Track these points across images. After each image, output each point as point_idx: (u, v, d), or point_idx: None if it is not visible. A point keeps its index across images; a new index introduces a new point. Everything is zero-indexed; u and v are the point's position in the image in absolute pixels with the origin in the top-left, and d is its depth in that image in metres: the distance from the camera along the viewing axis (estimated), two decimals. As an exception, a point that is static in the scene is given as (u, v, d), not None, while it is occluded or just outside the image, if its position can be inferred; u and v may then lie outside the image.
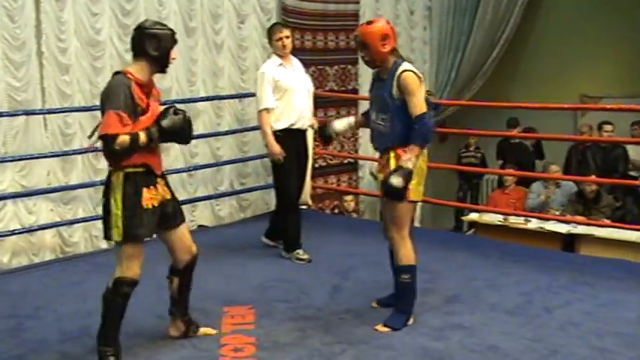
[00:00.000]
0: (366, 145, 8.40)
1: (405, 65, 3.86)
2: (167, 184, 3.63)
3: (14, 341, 3.87)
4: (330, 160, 7.90)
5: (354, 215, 7.89)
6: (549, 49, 9.94)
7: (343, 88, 7.96)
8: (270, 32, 5.35)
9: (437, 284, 4.74)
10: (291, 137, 5.23)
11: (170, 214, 3.59)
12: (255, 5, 7.04)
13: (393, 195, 3.74)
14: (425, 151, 3.91)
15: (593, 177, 7.37)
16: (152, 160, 3.49)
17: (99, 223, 5.87)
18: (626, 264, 5.43)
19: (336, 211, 7.92)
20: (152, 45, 3.42)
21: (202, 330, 3.91)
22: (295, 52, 7.33)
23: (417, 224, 8.33)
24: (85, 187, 5.80)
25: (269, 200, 7.12)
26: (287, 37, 5.24)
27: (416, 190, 3.88)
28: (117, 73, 3.50)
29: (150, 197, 3.45)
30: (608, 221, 6.79)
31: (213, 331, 3.92)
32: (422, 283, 4.74)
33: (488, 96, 8.81)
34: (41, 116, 5.58)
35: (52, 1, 5.56)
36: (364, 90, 8.31)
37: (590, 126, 8.51)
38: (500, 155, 9.04)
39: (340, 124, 4.27)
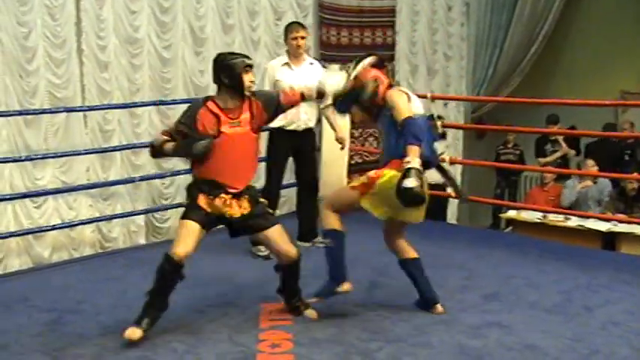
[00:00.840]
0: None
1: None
2: (250, 201, 3.89)
3: (54, 335, 3.92)
4: (367, 156, 7.87)
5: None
6: (589, 44, 9.78)
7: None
8: (287, 31, 5.37)
9: (474, 282, 4.71)
10: (282, 137, 5.26)
11: (235, 226, 3.95)
12: (291, 2, 7.06)
13: (412, 198, 3.62)
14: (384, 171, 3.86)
15: (635, 174, 7.24)
16: (220, 177, 3.79)
17: (138, 219, 6.04)
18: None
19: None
20: (225, 75, 3.77)
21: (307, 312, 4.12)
22: (331, 48, 7.40)
23: (454, 222, 8.32)
24: (123, 184, 5.87)
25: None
26: (302, 37, 5.26)
27: (370, 200, 3.89)
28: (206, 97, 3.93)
29: (205, 202, 3.80)
30: (647, 219, 6.67)
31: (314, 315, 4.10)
32: (459, 280, 4.74)
33: (526, 92, 8.71)
34: (81, 113, 5.67)
35: (92, 0, 5.64)
36: (401, 86, 8.27)
37: (632, 123, 8.36)
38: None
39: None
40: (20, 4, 5.28)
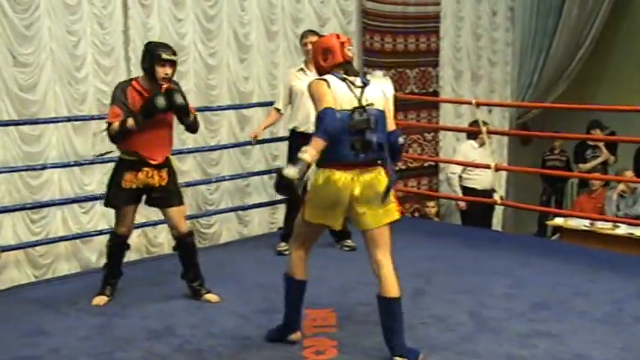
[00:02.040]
0: (446, 149, 8.31)
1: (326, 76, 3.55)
2: (168, 173, 4.39)
3: (102, 338, 3.98)
4: (411, 163, 7.84)
5: (436, 219, 7.81)
6: (635, 49, 9.58)
7: (424, 91, 7.89)
8: (300, 37, 5.58)
9: (521, 290, 4.64)
10: (297, 138, 5.31)
11: (158, 197, 4.38)
12: (335, 9, 7.07)
13: (281, 186, 3.35)
14: (332, 173, 3.48)
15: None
16: (143, 150, 4.27)
17: (183, 224, 6.07)
18: None
19: (416, 214, 7.85)
20: (145, 60, 4.24)
21: (206, 296, 4.48)
22: (375, 54, 7.39)
23: (498, 228, 8.22)
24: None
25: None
26: (312, 43, 5.28)
27: (309, 209, 3.58)
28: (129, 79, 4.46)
29: (130, 180, 4.29)
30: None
31: (216, 298, 4.47)
32: (506, 288, 4.68)
33: (573, 98, 8.57)
34: (128, 120, 5.74)
35: (139, 8, 5.73)
36: (445, 92, 8.24)
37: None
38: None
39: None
40: (70, 13, 5.38)
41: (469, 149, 7.33)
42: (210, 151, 6.20)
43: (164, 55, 4.17)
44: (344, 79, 3.53)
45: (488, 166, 6.67)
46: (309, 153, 3.34)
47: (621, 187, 7.43)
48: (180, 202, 4.52)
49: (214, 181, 6.20)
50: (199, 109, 6.02)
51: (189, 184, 6.00)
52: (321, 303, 4.39)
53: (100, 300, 4.48)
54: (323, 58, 3.61)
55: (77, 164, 5.41)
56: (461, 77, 8.42)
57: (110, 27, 5.58)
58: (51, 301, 4.61)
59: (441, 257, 5.43)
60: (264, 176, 6.55)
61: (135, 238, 5.84)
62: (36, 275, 5.37)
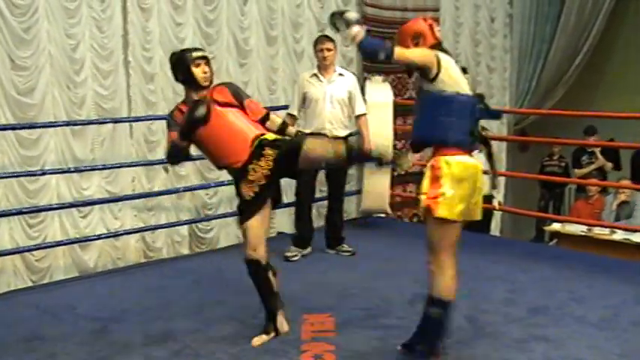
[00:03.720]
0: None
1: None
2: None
3: (100, 343, 3.96)
4: (410, 168, 7.83)
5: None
6: (634, 55, 9.61)
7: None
8: (315, 43, 5.52)
9: (519, 295, 4.64)
10: None
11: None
12: (335, 14, 7.07)
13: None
14: (463, 158, 3.35)
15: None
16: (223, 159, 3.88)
17: (181, 229, 6.09)
18: None
19: (415, 219, 7.85)
20: (178, 71, 3.84)
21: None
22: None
23: (497, 234, 8.23)
24: (168, 194, 5.93)
25: (347, 208, 7.11)
26: (328, 49, 5.35)
27: (447, 205, 3.33)
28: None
29: (249, 188, 3.78)
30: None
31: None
32: (504, 293, 4.68)
33: (570, 104, 8.58)
34: (127, 124, 5.75)
35: (139, 12, 5.74)
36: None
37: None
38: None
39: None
40: (68, 16, 5.39)
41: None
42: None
43: (194, 54, 3.79)
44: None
45: (486, 172, 6.67)
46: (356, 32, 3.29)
47: (622, 197, 7.44)
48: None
49: (213, 186, 6.20)
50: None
51: (187, 189, 6.00)
52: (320, 308, 4.39)
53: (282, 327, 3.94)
54: (414, 43, 3.43)
55: (75, 169, 5.40)
56: (459, 83, 8.42)
57: (109, 31, 5.59)
58: (48, 306, 4.60)
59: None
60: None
61: (133, 243, 5.85)
62: (33, 280, 5.36)
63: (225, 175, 6.27)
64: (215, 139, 3.80)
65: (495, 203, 6.57)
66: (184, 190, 5.99)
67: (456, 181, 3.31)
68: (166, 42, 5.92)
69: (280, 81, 6.71)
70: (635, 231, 6.69)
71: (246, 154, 3.78)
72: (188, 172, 6.09)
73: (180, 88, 5.88)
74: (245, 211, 3.82)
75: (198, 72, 3.76)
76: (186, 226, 6.11)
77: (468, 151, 3.39)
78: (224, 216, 6.25)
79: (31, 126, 5.24)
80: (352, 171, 7.15)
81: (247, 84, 6.44)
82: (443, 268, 3.44)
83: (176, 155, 3.86)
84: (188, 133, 3.74)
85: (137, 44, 5.74)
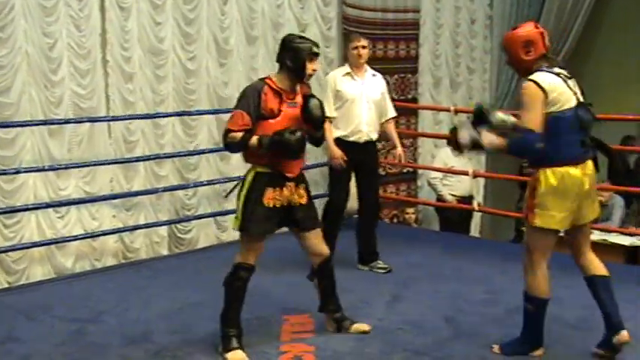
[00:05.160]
0: (425, 155, 8.33)
1: (536, 75, 3.50)
2: (305, 189, 3.85)
3: (77, 345, 3.93)
4: (390, 169, 7.84)
5: (415, 225, 7.83)
6: (613, 58, 9.68)
7: (403, 97, 7.90)
8: (348, 41, 5.41)
9: (498, 296, 4.67)
10: (343, 148, 5.14)
11: (299, 218, 3.81)
12: (316, 14, 7.07)
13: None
14: (565, 170, 3.51)
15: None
16: (282, 164, 3.70)
17: (160, 230, 6.04)
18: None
19: (395, 220, 7.86)
20: (289, 57, 3.70)
21: (355, 326, 4.03)
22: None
23: (476, 235, 8.25)
24: (146, 194, 5.88)
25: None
26: (363, 47, 5.22)
27: (544, 215, 3.53)
28: (261, 78, 3.84)
29: (272, 197, 3.69)
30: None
31: (367, 327, 4.03)
32: (482, 294, 4.71)
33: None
34: (105, 123, 5.70)
35: (117, 11, 5.68)
36: (424, 99, 8.26)
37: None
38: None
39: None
40: (45, 14, 5.32)
41: (448, 156, 7.34)
42: (189, 155, 6.16)
43: (315, 49, 3.74)
44: (558, 74, 3.52)
45: (466, 173, 6.71)
46: (489, 141, 3.54)
47: (601, 199, 7.48)
48: (319, 223, 4.03)
49: (192, 186, 6.16)
50: (178, 114, 6.03)
51: (166, 189, 5.96)
52: (300, 309, 4.38)
53: (237, 356, 3.71)
54: (525, 52, 3.50)
55: (52, 169, 5.34)
56: (440, 84, 8.45)
57: (87, 29, 5.52)
58: (24, 307, 4.55)
59: (420, 263, 5.44)
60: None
61: (112, 244, 5.80)
62: (9, 281, 5.29)
63: (205, 175, 6.28)
64: None
65: (475, 204, 6.59)
66: (163, 191, 5.94)
67: (554, 192, 3.49)
68: (145, 41, 5.88)
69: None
70: (612, 232, 6.75)
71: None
72: (167, 172, 6.04)
73: (159, 87, 5.97)
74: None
75: (310, 67, 3.72)
76: (165, 227, 6.06)
77: (575, 163, 3.52)
78: (204, 216, 6.22)
79: (7, 125, 5.17)
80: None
81: (227, 84, 6.41)
82: (534, 269, 3.64)
83: (238, 149, 3.78)
84: (271, 148, 3.61)
85: (116, 43, 5.69)
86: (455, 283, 4.97)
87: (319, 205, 6.99)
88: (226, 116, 6.31)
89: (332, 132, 5.13)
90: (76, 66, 5.51)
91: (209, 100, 6.32)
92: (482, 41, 8.89)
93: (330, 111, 5.09)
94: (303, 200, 3.81)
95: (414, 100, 8.08)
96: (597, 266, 3.76)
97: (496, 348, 3.77)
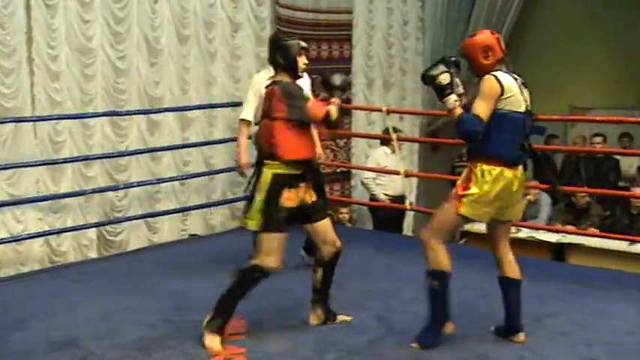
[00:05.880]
0: (358, 155, 8.40)
1: (497, 72, 3.69)
2: (314, 188, 3.93)
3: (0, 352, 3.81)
4: (323, 169, 7.86)
5: (349, 225, 7.87)
6: (540, 59, 9.94)
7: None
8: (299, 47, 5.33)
9: (428, 294, 4.71)
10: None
11: (310, 212, 3.92)
12: (249, 14, 7.04)
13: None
14: (502, 171, 3.65)
15: (585, 188, 7.40)
16: (308, 154, 3.90)
17: (89, 232, 5.92)
18: (614, 273, 5.47)
19: (335, 218, 7.89)
20: (281, 55, 3.91)
21: (340, 317, 4.17)
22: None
23: (409, 234, 8.35)
24: (74, 196, 5.75)
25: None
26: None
27: (471, 205, 3.66)
28: (274, 82, 3.91)
29: (288, 198, 3.79)
30: (597, 231, 6.79)
31: (348, 318, 4.17)
32: (414, 292, 4.73)
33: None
34: (31, 124, 5.55)
35: (43, 8, 5.54)
36: (358, 99, 8.32)
37: (584, 137, 8.54)
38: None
39: None
40: (-32, 12, 5.16)
41: (381, 156, 7.42)
42: (119, 157, 6.05)
43: (302, 44, 3.96)
44: (515, 79, 3.72)
45: (398, 173, 6.78)
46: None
47: (529, 197, 7.67)
48: (329, 212, 4.14)
49: (122, 188, 6.05)
50: (107, 114, 5.92)
51: (95, 191, 5.84)
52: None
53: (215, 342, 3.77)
54: (484, 57, 3.70)
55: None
56: (373, 85, 8.53)
57: (11, 27, 5.36)
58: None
59: (353, 262, 5.43)
60: (175, 182, 6.45)
61: (37, 247, 5.65)
62: None
63: (135, 176, 6.18)
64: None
65: (407, 204, 6.67)
66: (92, 192, 5.82)
67: (486, 193, 3.63)
68: (73, 39, 5.75)
69: (193, 81, 6.62)
70: (540, 229, 6.93)
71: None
72: (96, 173, 5.92)
73: (87, 86, 5.84)
74: None
75: (301, 61, 3.94)
76: (94, 229, 5.93)
77: (511, 164, 3.68)
78: (134, 218, 6.11)
79: None
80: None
81: (158, 84, 6.33)
82: (437, 244, 3.77)
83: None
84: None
85: (42, 41, 5.54)
86: (387, 282, 5.02)
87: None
88: (157, 116, 6.31)
89: (245, 135, 5.12)
90: (0, 65, 5.35)
91: (140, 100, 6.23)
92: (414, 43, 9.01)
93: (248, 114, 5.11)
94: (314, 198, 3.92)
95: (348, 100, 8.13)
96: (512, 269, 3.90)
97: (415, 345, 3.81)
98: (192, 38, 6.59)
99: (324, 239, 4.01)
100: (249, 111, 5.09)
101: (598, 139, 7.97)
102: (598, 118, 7.40)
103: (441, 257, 3.77)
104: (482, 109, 3.62)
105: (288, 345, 3.87)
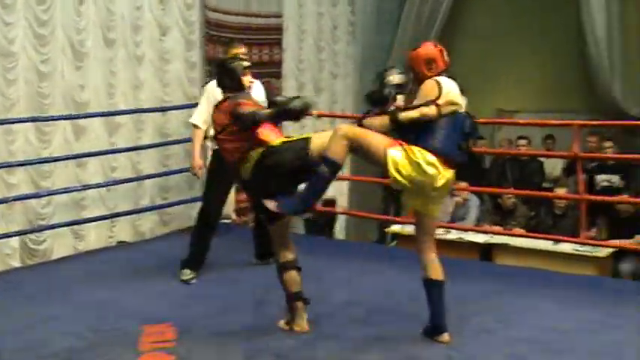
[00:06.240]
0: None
1: (438, 76, 3.83)
2: None
3: None
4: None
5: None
6: (467, 63, 10.10)
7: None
8: (228, 47, 5.39)
9: (359, 296, 4.76)
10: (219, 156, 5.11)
11: None
12: (177, 18, 6.96)
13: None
14: (433, 158, 3.71)
15: (511, 189, 7.59)
16: None
17: (11, 241, 5.73)
18: (539, 272, 5.61)
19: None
20: (228, 77, 4.15)
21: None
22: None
23: (341, 237, 8.42)
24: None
25: (191, 214, 7.02)
26: (243, 54, 5.15)
27: (395, 164, 3.69)
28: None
29: None
30: (522, 231, 6.98)
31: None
32: (345, 295, 4.79)
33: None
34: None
35: (-39, 10, 5.37)
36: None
37: (510, 140, 8.75)
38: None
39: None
40: None
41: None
42: (43, 163, 5.89)
43: (245, 64, 4.21)
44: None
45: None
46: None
47: (458, 199, 7.83)
48: None
49: (46, 195, 5.88)
50: (30, 120, 5.75)
51: (18, 199, 5.66)
52: (160, 318, 4.29)
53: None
54: (427, 68, 3.83)
55: None
56: (303, 89, 8.54)
57: None
58: None
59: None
60: (102, 189, 6.32)
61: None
62: None
63: (60, 183, 6.02)
64: None
65: (338, 207, 6.71)
66: (14, 200, 5.65)
67: (410, 162, 3.67)
68: (-7, 42, 5.58)
69: (120, 85, 6.51)
70: (468, 230, 7.08)
71: None
72: (18, 180, 5.75)
73: (9, 91, 5.68)
74: None
75: (246, 80, 4.20)
76: (17, 238, 5.75)
77: (449, 162, 3.76)
78: (58, 226, 5.94)
79: None
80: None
81: (84, 88, 6.19)
82: (343, 141, 3.74)
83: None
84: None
85: (-40, 44, 5.37)
86: (319, 286, 5.01)
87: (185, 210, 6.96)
88: (83, 121, 6.18)
89: (200, 141, 5.25)
90: None
91: (65, 105, 6.08)
92: (345, 47, 9.08)
93: (200, 121, 5.21)
94: None
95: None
96: (435, 270, 3.98)
97: (272, 206, 3.80)
98: (119, 42, 6.47)
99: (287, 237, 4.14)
100: (198, 117, 5.25)
101: (523, 141, 8.20)
102: (522, 122, 7.65)
103: (340, 152, 3.74)
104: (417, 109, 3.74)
105: (218, 350, 3.85)
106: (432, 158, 3.70)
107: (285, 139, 4.01)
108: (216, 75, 4.26)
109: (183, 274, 5.12)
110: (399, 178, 3.69)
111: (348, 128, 3.85)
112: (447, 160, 3.76)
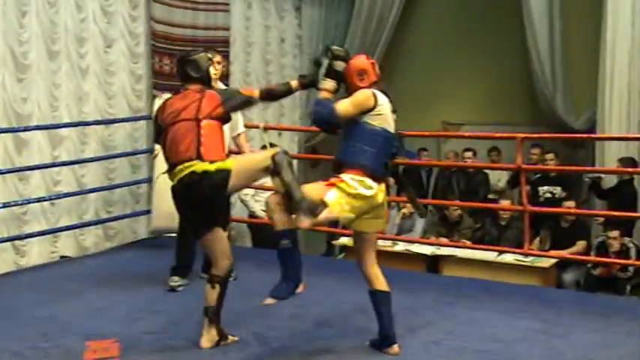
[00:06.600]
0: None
1: (374, 90, 3.89)
2: None
3: None
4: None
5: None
6: (414, 78, 10.26)
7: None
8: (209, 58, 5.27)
9: (307, 309, 4.75)
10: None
11: None
12: (122, 30, 6.89)
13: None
14: (366, 180, 3.80)
15: (457, 201, 7.69)
16: None
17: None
18: (484, 283, 5.68)
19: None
20: (192, 69, 4.14)
21: (230, 338, 4.12)
22: (164, 77, 7.28)
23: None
24: None
25: (137, 228, 6.94)
26: (218, 62, 5.06)
27: (338, 203, 3.75)
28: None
29: None
30: (468, 242, 7.08)
31: (236, 338, 4.13)
32: (292, 308, 4.77)
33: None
34: None
35: None
36: (236, 116, 8.27)
37: (456, 152, 8.87)
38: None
39: None
40: None
41: (260, 172, 7.42)
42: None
43: (210, 54, 4.27)
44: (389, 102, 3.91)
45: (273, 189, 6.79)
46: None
47: (404, 211, 7.90)
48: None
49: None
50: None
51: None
52: (104, 334, 4.21)
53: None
54: (359, 79, 3.90)
55: None
56: (251, 101, 8.52)
57: None
58: None
59: (231, 280, 5.42)
60: (44, 203, 6.18)
61: None
62: None
63: (0, 197, 5.87)
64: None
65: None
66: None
67: (348, 195, 3.75)
68: None
69: (63, 97, 6.40)
70: (415, 242, 7.14)
71: None
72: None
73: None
74: None
75: (212, 72, 4.28)
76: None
77: (378, 179, 3.84)
78: (-1, 241, 5.81)
79: None
80: (143, 189, 7.00)
81: (26, 100, 6.07)
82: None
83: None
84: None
85: None
86: (264, 299, 5.00)
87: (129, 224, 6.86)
88: (25, 134, 6.06)
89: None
90: None
91: (6, 117, 5.95)
92: (292, 60, 9.10)
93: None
94: None
95: (228, 118, 8.07)
96: (379, 281, 4.01)
97: (270, 300, 3.92)
98: (62, 53, 6.37)
99: (223, 251, 4.09)
100: None
101: (469, 153, 8.33)
102: (467, 134, 7.77)
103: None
104: (345, 107, 3.82)
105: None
106: (366, 179, 3.78)
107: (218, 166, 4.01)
108: (178, 71, 4.20)
109: (172, 281, 5.17)
110: (348, 214, 3.79)
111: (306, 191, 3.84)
112: (375, 177, 3.83)
